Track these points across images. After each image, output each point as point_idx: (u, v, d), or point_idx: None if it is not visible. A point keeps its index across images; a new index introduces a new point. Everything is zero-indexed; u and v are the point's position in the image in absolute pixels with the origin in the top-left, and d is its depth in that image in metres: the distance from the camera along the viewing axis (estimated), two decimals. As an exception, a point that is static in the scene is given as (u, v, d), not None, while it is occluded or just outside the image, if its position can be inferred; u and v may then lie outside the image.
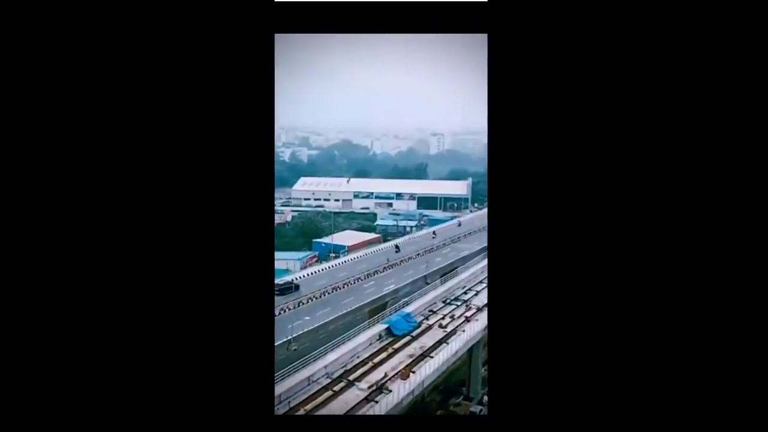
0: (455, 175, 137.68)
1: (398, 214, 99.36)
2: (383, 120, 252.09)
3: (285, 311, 40.10)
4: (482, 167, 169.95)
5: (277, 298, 43.70)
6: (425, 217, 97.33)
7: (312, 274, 51.79)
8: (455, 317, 38.43)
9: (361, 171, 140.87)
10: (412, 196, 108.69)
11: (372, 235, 78.64)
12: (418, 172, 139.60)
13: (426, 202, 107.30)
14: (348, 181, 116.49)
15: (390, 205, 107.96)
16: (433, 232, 75.23)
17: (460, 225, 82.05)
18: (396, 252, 61.78)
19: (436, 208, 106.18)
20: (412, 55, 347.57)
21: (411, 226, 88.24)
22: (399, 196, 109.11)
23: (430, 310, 39.68)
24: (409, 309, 38.08)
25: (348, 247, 70.47)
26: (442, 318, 38.23)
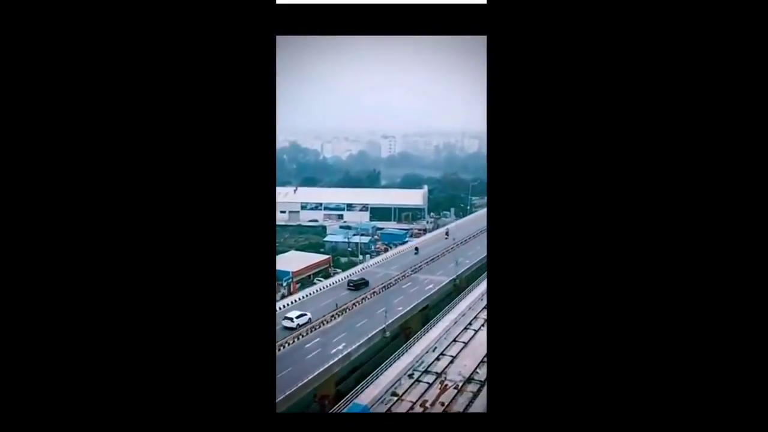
0: (409, 182, 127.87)
1: (349, 228, 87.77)
2: (334, 122, 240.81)
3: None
4: (435, 171, 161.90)
5: (351, 293, 46.26)
6: (379, 231, 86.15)
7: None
8: (428, 404, 27.59)
9: (311, 178, 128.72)
10: (364, 207, 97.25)
11: (320, 257, 67.03)
12: (371, 180, 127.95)
13: (379, 213, 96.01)
14: (295, 191, 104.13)
15: (341, 217, 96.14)
16: (446, 232, 75.46)
17: (447, 235, 74.75)
18: (415, 254, 63.08)
19: (390, 220, 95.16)
20: (358, 55, 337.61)
21: (363, 244, 76.98)
22: (350, 206, 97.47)
23: (393, 394, 28.67)
24: (363, 398, 27.04)
25: (292, 272, 58.92)
26: (411, 407, 27.33)
